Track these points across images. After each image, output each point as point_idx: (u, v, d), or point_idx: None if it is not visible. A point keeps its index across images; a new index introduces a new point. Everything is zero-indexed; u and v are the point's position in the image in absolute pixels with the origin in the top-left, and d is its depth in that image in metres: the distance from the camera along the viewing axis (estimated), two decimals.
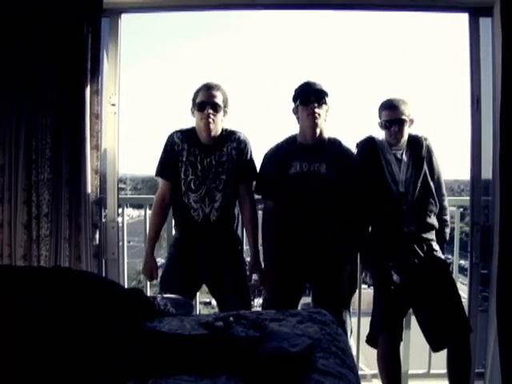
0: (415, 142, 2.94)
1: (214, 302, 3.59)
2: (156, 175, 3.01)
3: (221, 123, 2.90)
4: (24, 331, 1.61)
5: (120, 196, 3.35)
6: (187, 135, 2.93)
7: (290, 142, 3.00)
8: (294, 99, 2.95)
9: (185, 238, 2.97)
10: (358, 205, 2.90)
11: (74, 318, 1.74)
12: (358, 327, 3.44)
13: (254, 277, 2.98)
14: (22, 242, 3.11)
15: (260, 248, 3.03)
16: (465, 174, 3.33)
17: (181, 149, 2.90)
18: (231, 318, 2.02)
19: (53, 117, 3.09)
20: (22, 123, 3.11)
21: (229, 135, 2.94)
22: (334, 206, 2.88)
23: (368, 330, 2.97)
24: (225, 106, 2.90)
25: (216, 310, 3.63)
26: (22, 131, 3.11)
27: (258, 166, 3.04)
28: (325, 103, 2.88)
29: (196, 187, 2.88)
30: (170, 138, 2.95)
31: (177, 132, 2.96)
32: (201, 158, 2.88)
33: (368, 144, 2.97)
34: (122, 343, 1.71)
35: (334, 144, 2.97)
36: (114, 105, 3.27)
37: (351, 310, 3.05)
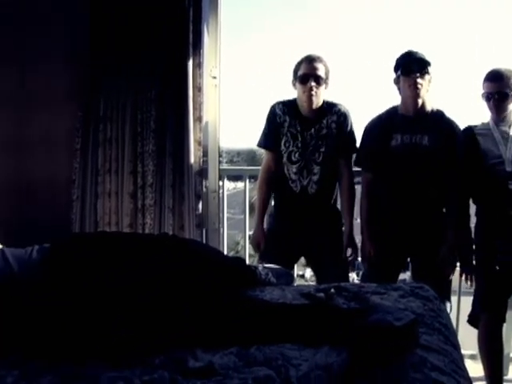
0: None
1: (307, 275, 3.61)
2: (258, 145, 3.05)
3: (322, 96, 2.88)
4: (137, 293, 1.71)
5: (220, 167, 3.41)
6: (289, 107, 2.94)
7: (392, 113, 2.93)
8: (396, 69, 2.86)
9: (283, 209, 3.00)
10: (460, 187, 2.82)
11: (183, 283, 1.81)
12: (457, 307, 3.34)
13: (348, 252, 2.96)
14: (128, 210, 3.24)
15: (356, 222, 3.01)
16: None
17: (283, 120, 2.92)
18: (332, 290, 2.02)
19: (157, 90, 3.18)
20: (128, 97, 3.21)
21: (329, 108, 2.92)
22: (434, 179, 2.81)
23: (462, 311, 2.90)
24: (326, 78, 2.88)
25: (309, 282, 3.65)
26: (128, 105, 3.21)
27: (358, 138, 3.00)
28: (427, 73, 2.77)
29: (296, 159, 2.89)
30: (272, 109, 2.97)
31: (278, 103, 2.97)
32: (301, 129, 2.89)
33: (465, 135, 2.87)
34: (226, 310, 1.76)
35: (437, 115, 2.87)
36: (214, 77, 3.31)
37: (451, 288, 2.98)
